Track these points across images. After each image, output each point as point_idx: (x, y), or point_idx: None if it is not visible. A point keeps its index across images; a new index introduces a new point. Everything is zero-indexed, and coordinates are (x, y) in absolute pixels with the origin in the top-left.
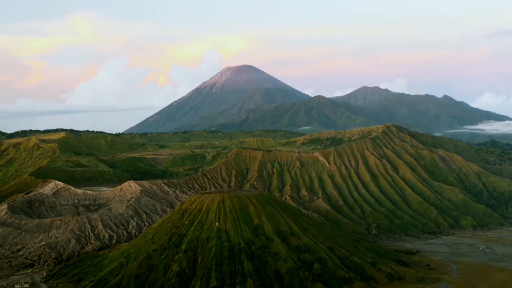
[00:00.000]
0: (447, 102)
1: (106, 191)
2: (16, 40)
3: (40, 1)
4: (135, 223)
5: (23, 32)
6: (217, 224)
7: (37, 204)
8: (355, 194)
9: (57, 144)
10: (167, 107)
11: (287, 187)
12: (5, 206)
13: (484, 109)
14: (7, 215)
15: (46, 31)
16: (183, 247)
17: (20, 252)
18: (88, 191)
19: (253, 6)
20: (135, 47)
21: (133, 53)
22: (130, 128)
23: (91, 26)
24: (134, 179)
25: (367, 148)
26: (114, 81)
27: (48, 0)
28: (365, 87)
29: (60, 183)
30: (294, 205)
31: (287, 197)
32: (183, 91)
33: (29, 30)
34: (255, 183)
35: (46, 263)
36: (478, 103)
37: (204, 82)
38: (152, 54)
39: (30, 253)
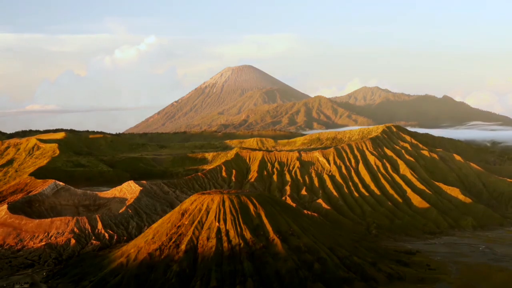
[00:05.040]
0: (447, 102)
1: (106, 191)
2: (50, 39)
3: (78, 3)
4: (135, 223)
5: (58, 31)
6: (217, 224)
7: (37, 204)
8: (355, 194)
9: (57, 144)
10: (167, 107)
11: (287, 187)
12: (5, 206)
13: (484, 109)
14: (7, 215)
15: (81, 31)
16: (183, 247)
17: (20, 252)
18: (88, 191)
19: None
20: (169, 48)
21: (166, 54)
22: (130, 128)
23: (125, 27)
24: (134, 179)
25: (367, 148)
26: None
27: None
28: (365, 87)
29: (60, 183)
30: (294, 205)
31: (287, 197)
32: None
33: (65, 30)
34: (255, 183)
35: (46, 263)
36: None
37: (204, 82)
38: (186, 54)
39: (30, 253)
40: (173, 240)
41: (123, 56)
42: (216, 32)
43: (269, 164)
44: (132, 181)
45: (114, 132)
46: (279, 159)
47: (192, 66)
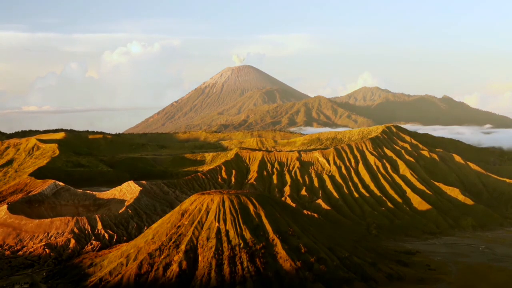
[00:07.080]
0: (447, 102)
1: (106, 192)
2: (62, 38)
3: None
4: (135, 223)
5: (70, 31)
6: (217, 224)
7: (37, 204)
8: (355, 194)
9: (57, 144)
10: (167, 107)
11: (287, 187)
12: (5, 206)
13: (484, 109)
14: (7, 215)
15: (92, 31)
16: (183, 247)
17: (20, 252)
18: (88, 191)
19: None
20: (179, 49)
21: (176, 55)
22: (130, 128)
23: (139, 28)
24: (134, 179)
25: (367, 148)
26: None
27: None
28: (365, 87)
29: (60, 183)
30: (294, 205)
31: (287, 197)
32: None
33: (77, 30)
34: (255, 183)
35: (46, 263)
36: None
37: (204, 82)
38: (199, 55)
39: (30, 253)
40: (173, 240)
41: (131, 56)
42: (227, 33)
43: (269, 164)
44: (132, 181)
45: (114, 132)
46: (279, 159)
47: (202, 66)
